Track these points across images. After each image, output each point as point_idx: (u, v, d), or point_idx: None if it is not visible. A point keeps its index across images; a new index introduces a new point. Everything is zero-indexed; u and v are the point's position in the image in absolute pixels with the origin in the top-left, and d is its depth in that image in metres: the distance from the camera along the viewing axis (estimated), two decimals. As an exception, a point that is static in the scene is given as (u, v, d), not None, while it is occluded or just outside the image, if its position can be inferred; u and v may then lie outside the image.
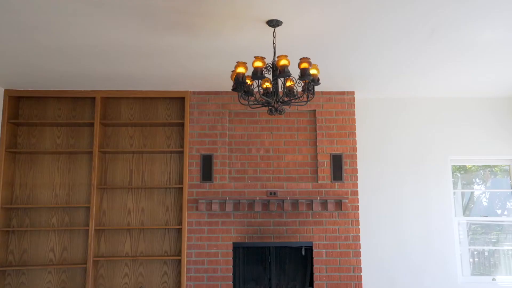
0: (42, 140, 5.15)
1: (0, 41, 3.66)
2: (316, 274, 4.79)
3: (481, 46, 3.85)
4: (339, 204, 4.82)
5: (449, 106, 5.43)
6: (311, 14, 3.21)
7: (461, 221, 5.30)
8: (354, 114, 5.09)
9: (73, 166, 5.14)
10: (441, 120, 5.40)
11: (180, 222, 5.05)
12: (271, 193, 4.93)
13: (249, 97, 3.27)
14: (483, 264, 5.29)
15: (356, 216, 4.89)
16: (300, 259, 4.95)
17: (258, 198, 4.83)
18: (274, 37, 3.37)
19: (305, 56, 3.84)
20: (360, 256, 4.84)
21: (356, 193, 4.94)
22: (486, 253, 5.31)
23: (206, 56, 4.06)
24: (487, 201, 5.54)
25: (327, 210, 4.80)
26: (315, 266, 4.81)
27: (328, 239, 4.86)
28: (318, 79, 3.20)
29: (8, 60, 4.13)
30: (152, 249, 5.03)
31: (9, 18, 3.25)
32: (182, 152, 5.08)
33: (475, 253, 5.32)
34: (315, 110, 5.10)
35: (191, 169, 4.99)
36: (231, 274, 4.80)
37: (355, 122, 5.08)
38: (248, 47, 3.81)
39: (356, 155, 5.02)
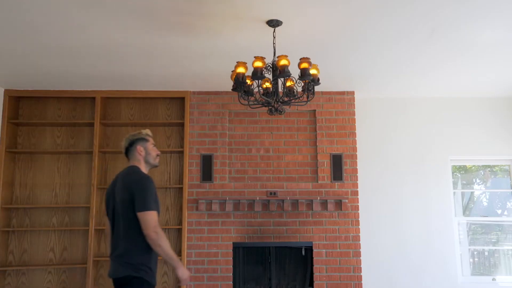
0: (42, 140, 5.15)
1: (1, 41, 3.66)
2: (316, 274, 4.79)
3: (481, 46, 3.85)
4: (339, 204, 4.82)
5: (449, 106, 5.43)
6: (311, 14, 3.21)
7: (461, 221, 5.30)
8: (354, 114, 5.09)
9: (73, 166, 5.14)
10: (441, 120, 5.40)
11: (180, 222, 5.05)
12: (271, 193, 4.93)
13: (249, 97, 3.27)
14: (483, 264, 5.29)
15: (356, 216, 4.88)
16: (300, 259, 4.94)
17: (258, 198, 4.83)
18: (274, 37, 3.38)
19: (305, 56, 3.83)
20: (360, 256, 4.84)
21: (356, 193, 4.93)
22: (486, 253, 5.31)
23: (206, 56, 4.06)
24: (487, 201, 5.54)
25: (327, 210, 4.80)
26: (315, 266, 4.81)
27: (328, 239, 4.85)
28: (318, 79, 3.20)
29: (8, 60, 4.12)
30: (152, 249, 5.02)
31: (9, 18, 3.25)
32: (182, 152, 5.08)
33: (475, 253, 5.32)
34: (315, 110, 5.10)
35: (191, 169, 4.98)
36: (231, 274, 4.80)
37: (355, 122, 5.07)
38: (248, 47, 3.81)
39: (356, 155, 5.02)
